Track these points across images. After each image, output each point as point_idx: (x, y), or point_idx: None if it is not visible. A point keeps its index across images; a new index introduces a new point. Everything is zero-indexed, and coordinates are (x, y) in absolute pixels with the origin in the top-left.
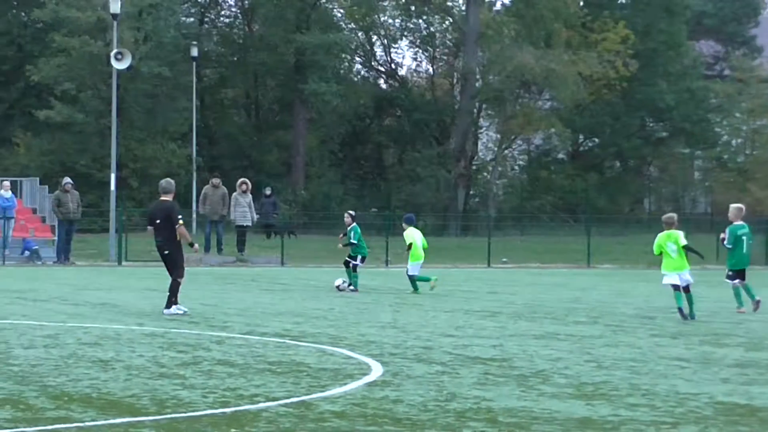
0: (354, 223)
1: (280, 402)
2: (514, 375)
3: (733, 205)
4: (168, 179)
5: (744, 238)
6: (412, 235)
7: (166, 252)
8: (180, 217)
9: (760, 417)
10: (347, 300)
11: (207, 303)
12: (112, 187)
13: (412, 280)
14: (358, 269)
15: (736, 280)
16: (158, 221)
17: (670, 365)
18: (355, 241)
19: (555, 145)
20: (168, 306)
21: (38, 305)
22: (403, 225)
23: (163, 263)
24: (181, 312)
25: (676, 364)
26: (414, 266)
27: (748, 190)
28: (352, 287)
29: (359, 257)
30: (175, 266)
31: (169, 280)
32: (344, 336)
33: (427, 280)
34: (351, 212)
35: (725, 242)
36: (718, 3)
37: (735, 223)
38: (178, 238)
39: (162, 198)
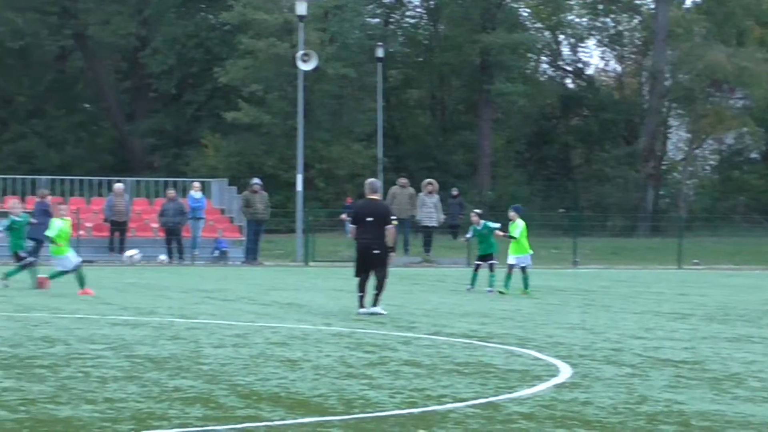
0: (482, 221)
1: (467, 403)
2: (706, 378)
3: None
4: (375, 179)
5: None
6: (520, 225)
7: (376, 251)
8: (394, 217)
9: None
10: (534, 301)
11: (393, 303)
12: (299, 187)
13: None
14: (494, 268)
15: None
16: (370, 219)
17: None
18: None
19: (747, 144)
20: (375, 303)
21: (227, 305)
22: (512, 214)
23: (360, 263)
24: (382, 312)
25: None
26: (522, 258)
27: None
28: (469, 287)
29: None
30: (382, 265)
31: (354, 280)
32: (532, 337)
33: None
34: (477, 211)
35: None
36: None
37: None
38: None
39: (371, 197)
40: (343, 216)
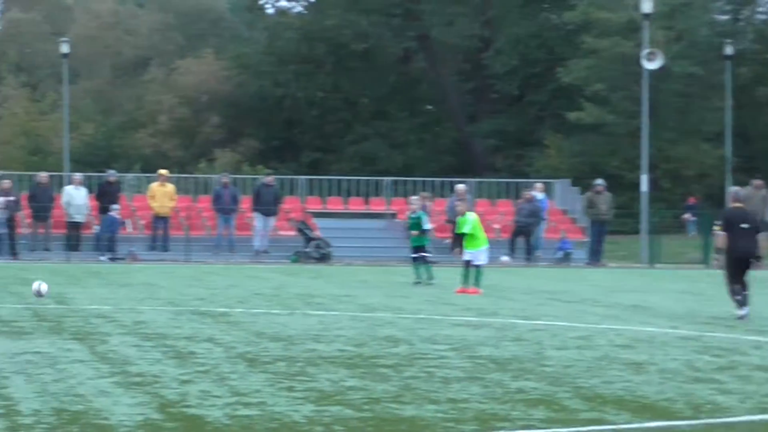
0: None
1: None
2: None
3: None
4: (739, 188)
5: None
6: None
7: (751, 259)
8: None
9: None
10: None
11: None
12: (643, 188)
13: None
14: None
15: None
16: (745, 226)
17: None
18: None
19: None
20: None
21: (570, 306)
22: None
23: (734, 269)
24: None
25: None
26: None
27: None
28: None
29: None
30: (747, 271)
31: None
32: None
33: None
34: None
35: None
36: None
37: None
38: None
39: (736, 205)
40: (685, 216)
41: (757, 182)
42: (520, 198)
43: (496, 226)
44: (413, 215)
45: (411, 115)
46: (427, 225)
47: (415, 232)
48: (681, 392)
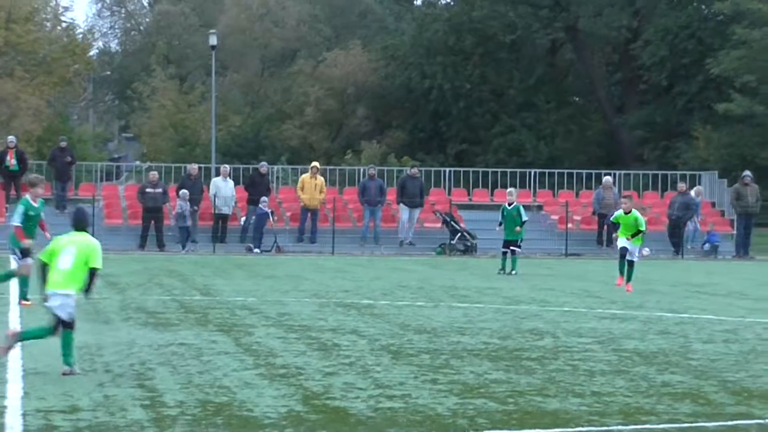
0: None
1: None
2: None
3: None
4: None
5: None
6: None
7: None
8: None
9: None
10: None
11: None
12: None
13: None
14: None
15: None
16: None
17: None
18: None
19: None
20: None
21: (717, 299)
22: None
23: None
24: None
25: None
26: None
27: None
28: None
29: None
30: None
31: None
32: None
33: None
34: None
35: None
36: None
37: None
38: None
39: None
40: None
41: None
42: (673, 191)
43: (577, 217)
44: (511, 208)
45: (558, 106)
46: (526, 216)
47: (518, 228)
48: None
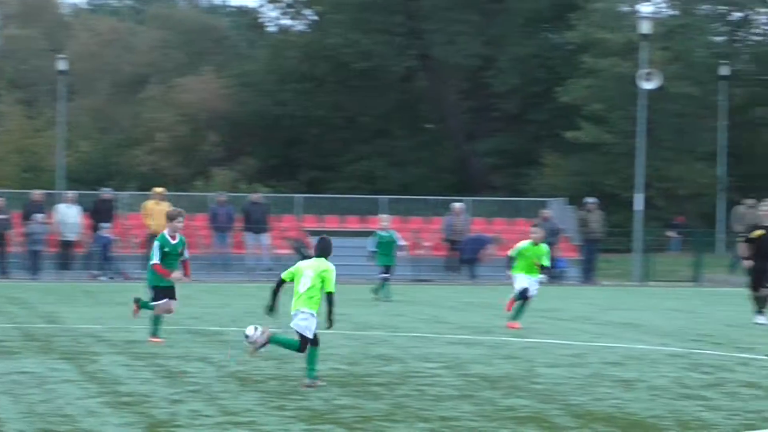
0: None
1: None
2: None
3: None
4: None
5: None
6: None
7: None
8: None
9: None
10: None
11: (733, 324)
12: (638, 207)
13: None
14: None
15: None
16: None
17: None
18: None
19: None
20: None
21: (562, 324)
22: None
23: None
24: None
25: None
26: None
27: None
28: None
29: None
30: None
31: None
32: None
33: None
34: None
35: None
36: None
37: None
38: None
39: None
40: (669, 233)
41: (751, 201)
42: (536, 217)
43: (427, 243)
44: (384, 234)
45: (411, 133)
46: (402, 242)
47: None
48: (669, 409)
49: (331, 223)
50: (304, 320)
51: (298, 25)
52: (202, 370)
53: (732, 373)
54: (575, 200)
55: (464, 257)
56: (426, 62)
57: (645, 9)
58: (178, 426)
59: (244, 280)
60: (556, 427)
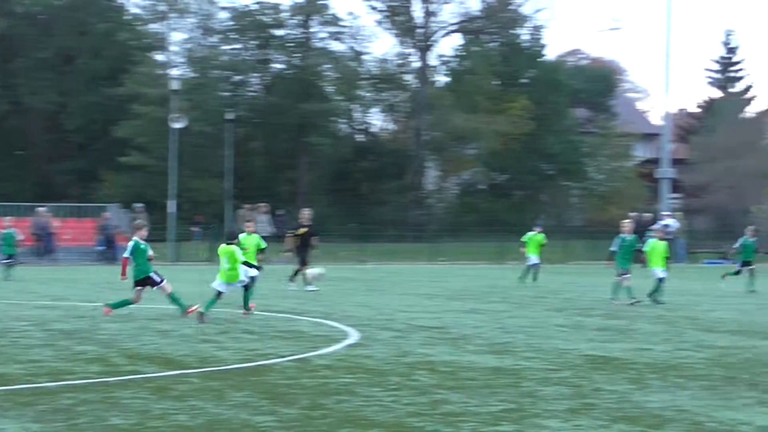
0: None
1: (286, 358)
2: (448, 338)
3: (625, 221)
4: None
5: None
6: None
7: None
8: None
9: (613, 364)
10: (334, 287)
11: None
12: (171, 210)
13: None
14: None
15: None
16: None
17: (554, 329)
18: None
19: (479, 179)
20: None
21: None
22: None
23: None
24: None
25: (557, 329)
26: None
27: (608, 210)
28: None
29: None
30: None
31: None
32: (332, 312)
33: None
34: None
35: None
36: (588, 82)
37: (627, 235)
38: None
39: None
40: (193, 228)
41: (248, 206)
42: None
43: (21, 237)
44: (5, 231)
45: (7, 157)
46: (20, 236)
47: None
48: (193, 350)
49: None
50: None
51: None
52: None
53: (236, 324)
54: (127, 205)
55: (47, 246)
56: (17, 107)
57: (174, 72)
58: None
59: None
60: (114, 365)
